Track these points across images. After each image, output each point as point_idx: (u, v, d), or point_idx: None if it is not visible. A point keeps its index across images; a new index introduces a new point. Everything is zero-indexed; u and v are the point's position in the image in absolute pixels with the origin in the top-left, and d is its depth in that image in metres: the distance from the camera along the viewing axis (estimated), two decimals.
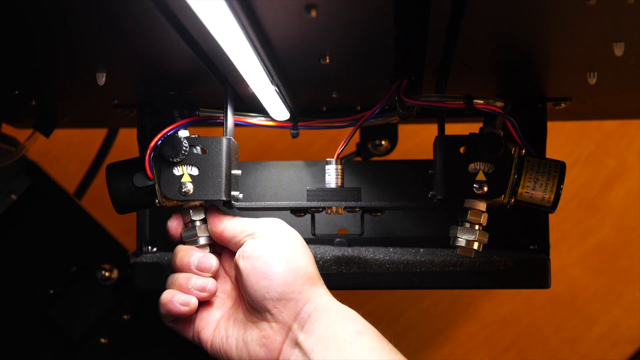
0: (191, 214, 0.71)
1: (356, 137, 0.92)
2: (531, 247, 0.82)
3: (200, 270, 0.69)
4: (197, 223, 0.71)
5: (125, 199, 0.71)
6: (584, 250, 1.31)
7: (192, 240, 0.71)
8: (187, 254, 0.69)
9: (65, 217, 0.95)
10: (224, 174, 0.68)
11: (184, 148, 0.68)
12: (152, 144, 0.69)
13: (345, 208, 0.72)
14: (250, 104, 0.75)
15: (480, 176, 0.68)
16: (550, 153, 0.76)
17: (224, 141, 0.69)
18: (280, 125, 0.77)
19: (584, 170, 1.34)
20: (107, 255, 0.94)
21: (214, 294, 0.69)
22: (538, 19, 0.55)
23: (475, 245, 0.70)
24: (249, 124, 0.76)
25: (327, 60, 0.61)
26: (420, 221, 0.86)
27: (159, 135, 0.69)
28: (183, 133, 0.70)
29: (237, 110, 0.74)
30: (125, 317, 0.94)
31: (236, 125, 0.75)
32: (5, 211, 0.95)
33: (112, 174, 0.71)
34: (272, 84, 0.67)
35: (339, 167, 0.72)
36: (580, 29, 0.57)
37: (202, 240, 0.71)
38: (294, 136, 0.78)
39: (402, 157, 0.89)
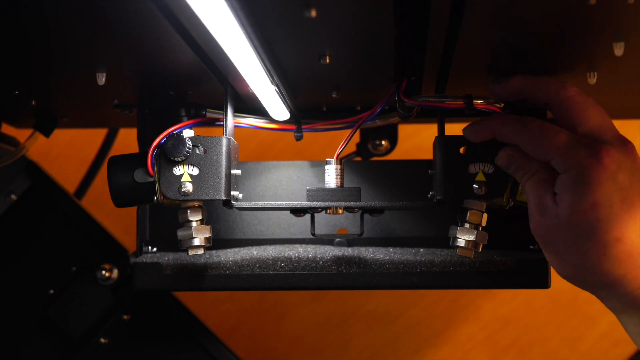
0: (188, 214, 0.71)
1: (356, 137, 0.92)
2: (531, 247, 0.82)
3: None
4: (194, 224, 0.71)
5: (125, 193, 0.71)
6: None
7: (187, 241, 0.71)
8: None
9: (65, 217, 0.95)
10: (223, 174, 0.68)
11: (188, 148, 0.68)
12: (157, 141, 0.69)
13: (344, 208, 0.72)
14: (250, 103, 0.75)
15: (480, 177, 0.68)
16: None
17: (224, 141, 0.69)
18: (285, 128, 0.77)
19: None
20: (107, 255, 0.94)
21: None
22: (538, 19, 0.55)
23: (475, 246, 0.70)
24: (253, 126, 0.76)
25: (327, 60, 0.61)
26: (420, 221, 0.86)
27: (164, 133, 0.69)
28: (188, 133, 0.70)
29: (237, 110, 0.74)
30: (125, 317, 0.94)
31: (240, 127, 0.75)
32: (5, 211, 0.95)
33: (113, 167, 0.71)
34: (272, 84, 0.67)
35: (339, 167, 0.72)
36: (580, 29, 0.57)
37: (197, 242, 0.71)
38: (298, 139, 0.78)
39: (402, 157, 0.89)
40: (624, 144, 0.63)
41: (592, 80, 0.67)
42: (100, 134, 1.10)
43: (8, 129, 0.92)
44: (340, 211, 0.72)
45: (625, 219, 0.61)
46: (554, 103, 0.65)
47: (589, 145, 0.61)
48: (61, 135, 1.00)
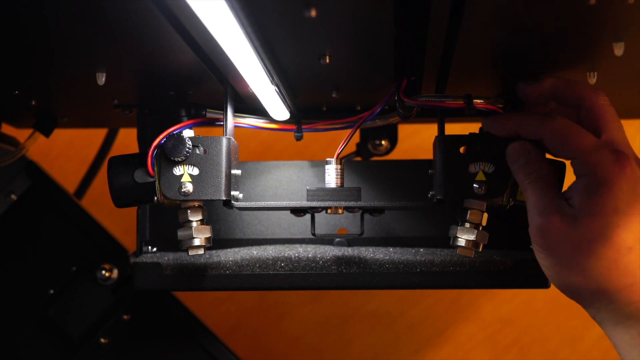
0: (188, 214, 0.70)
1: (356, 137, 0.92)
2: (531, 247, 0.81)
3: None
4: (194, 224, 0.71)
5: (125, 193, 0.71)
6: None
7: (187, 241, 0.71)
8: None
9: (65, 217, 0.95)
10: (223, 174, 0.68)
11: (188, 148, 0.68)
12: (157, 141, 0.69)
13: (345, 208, 0.72)
14: (250, 103, 0.75)
15: (480, 176, 0.68)
16: None
17: (224, 141, 0.69)
18: (285, 128, 0.77)
19: None
20: (107, 255, 0.94)
21: None
22: (538, 19, 0.55)
23: (475, 246, 0.70)
24: (253, 126, 0.76)
25: (327, 60, 0.61)
26: (420, 221, 0.86)
27: (165, 133, 0.69)
28: (188, 133, 0.70)
29: (237, 110, 0.74)
30: (125, 317, 0.94)
31: (240, 127, 0.75)
32: (5, 211, 0.95)
33: (113, 168, 0.71)
34: (272, 84, 0.67)
35: (339, 167, 0.72)
36: (580, 28, 0.57)
37: (197, 242, 0.70)
38: (298, 139, 0.77)
39: (402, 157, 0.89)
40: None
41: (592, 80, 0.67)
42: (100, 134, 1.10)
43: (8, 129, 0.92)
44: (340, 211, 0.72)
45: (638, 229, 0.61)
46: (584, 106, 0.65)
47: (615, 152, 0.61)
48: (61, 135, 1.00)
